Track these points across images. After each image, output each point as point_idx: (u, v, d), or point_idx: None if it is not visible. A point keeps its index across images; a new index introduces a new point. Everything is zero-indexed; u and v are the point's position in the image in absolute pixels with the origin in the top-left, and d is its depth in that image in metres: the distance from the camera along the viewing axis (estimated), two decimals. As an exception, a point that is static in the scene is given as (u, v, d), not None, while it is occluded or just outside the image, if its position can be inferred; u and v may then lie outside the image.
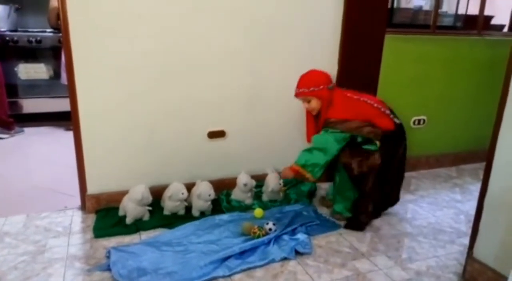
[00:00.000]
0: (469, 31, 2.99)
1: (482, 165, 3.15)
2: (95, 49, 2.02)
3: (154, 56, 2.13)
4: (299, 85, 2.12)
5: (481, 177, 2.93)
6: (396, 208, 2.40)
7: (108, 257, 1.79)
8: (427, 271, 1.79)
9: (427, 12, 3.02)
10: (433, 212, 2.39)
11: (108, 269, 1.70)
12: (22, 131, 3.70)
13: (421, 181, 2.86)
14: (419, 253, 1.94)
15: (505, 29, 3.22)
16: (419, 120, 2.95)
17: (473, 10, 3.08)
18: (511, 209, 1.51)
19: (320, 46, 2.47)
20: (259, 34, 2.31)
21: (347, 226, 2.14)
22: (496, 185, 1.58)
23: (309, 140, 2.25)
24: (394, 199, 2.29)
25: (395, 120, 2.11)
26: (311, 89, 2.07)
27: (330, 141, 2.02)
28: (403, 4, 3.17)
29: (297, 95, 2.14)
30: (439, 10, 2.88)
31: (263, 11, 2.28)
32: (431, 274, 1.77)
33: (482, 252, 1.65)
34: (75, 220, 2.14)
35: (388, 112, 2.10)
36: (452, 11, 3.25)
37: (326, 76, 2.12)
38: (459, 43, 2.89)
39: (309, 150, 2.07)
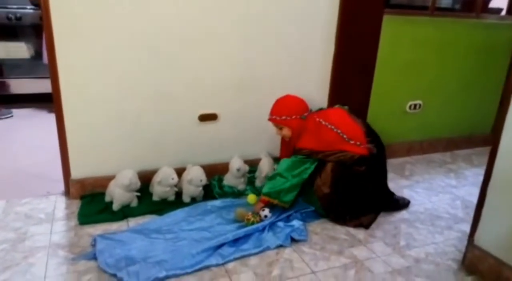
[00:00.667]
0: (468, 13, 2.92)
1: (476, 150, 3.22)
2: (78, 26, 1.88)
3: (143, 35, 2.00)
4: (272, 111, 2.06)
5: (475, 162, 2.96)
6: (392, 194, 2.36)
7: (93, 245, 1.69)
8: (426, 258, 1.75)
9: (425, -8, 2.92)
10: (429, 197, 2.34)
11: (94, 258, 1.61)
12: (10, 113, 3.52)
13: (415, 166, 2.82)
14: (417, 239, 1.89)
15: (503, 13, 3.15)
16: (415, 105, 2.89)
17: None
18: (516, 195, 1.46)
19: (316, 27, 2.36)
20: (253, 15, 2.19)
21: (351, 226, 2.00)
22: (501, 171, 1.52)
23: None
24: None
25: (369, 146, 1.95)
26: (283, 117, 2.01)
27: (297, 167, 1.94)
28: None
29: (269, 120, 2.09)
30: (438, -9, 2.79)
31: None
32: (430, 261, 1.73)
33: (484, 239, 1.61)
34: (59, 206, 2.03)
35: (353, 141, 1.92)
36: (450, -8, 3.16)
37: (300, 104, 2.04)
38: (457, 26, 2.82)
39: (272, 177, 1.99)
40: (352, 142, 1.93)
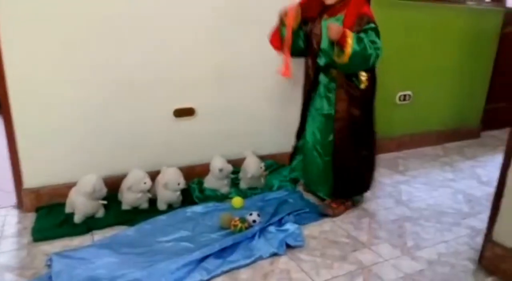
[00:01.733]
0: (454, -1, 2.82)
1: (466, 142, 3.09)
2: (25, 17, 1.62)
3: (105, 21, 1.75)
4: None
5: (468, 155, 2.83)
6: (389, 190, 2.18)
7: (49, 265, 1.39)
8: (439, 259, 1.54)
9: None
10: (429, 192, 2.16)
11: (50, 281, 1.31)
12: None
13: (409, 161, 2.65)
14: (426, 238, 1.69)
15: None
16: (404, 96, 2.73)
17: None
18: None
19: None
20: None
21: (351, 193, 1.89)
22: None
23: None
24: None
25: None
26: None
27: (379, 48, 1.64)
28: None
29: None
30: (424, -25, 2.66)
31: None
32: (444, 262, 1.53)
33: (504, 234, 1.42)
34: (9, 221, 1.73)
35: None
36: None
37: None
38: (444, 11, 2.71)
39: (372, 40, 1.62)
40: None
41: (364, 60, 1.62)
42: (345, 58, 1.58)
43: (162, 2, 1.83)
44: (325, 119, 1.80)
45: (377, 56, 1.65)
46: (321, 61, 1.79)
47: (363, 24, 1.65)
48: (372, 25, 1.66)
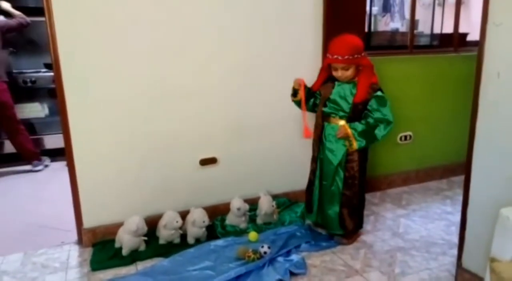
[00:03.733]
0: (445, 48, 3.12)
1: (472, 176, 3.28)
2: (85, 85, 2.09)
3: (143, 88, 2.21)
4: (341, 52, 1.95)
5: (470, 188, 3.03)
6: (389, 223, 2.45)
7: (105, 289, 1.81)
8: (420, 284, 1.82)
9: (403, 33, 3.16)
10: (425, 225, 2.42)
11: (105, 301, 1.72)
12: (40, 166, 3.72)
13: (412, 196, 2.91)
14: (412, 266, 1.97)
15: (481, 45, 3.34)
16: (405, 136, 3.03)
17: (449, 28, 3.22)
18: (492, 218, 1.56)
19: (302, 70, 2.56)
20: (243, 62, 2.40)
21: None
22: (476, 196, 1.64)
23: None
24: None
25: None
26: (355, 56, 1.95)
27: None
28: (381, 27, 3.32)
29: (338, 62, 1.97)
30: (415, 31, 3.01)
31: (245, 42, 2.39)
32: (424, 287, 1.80)
33: (471, 262, 1.69)
34: (72, 255, 2.17)
35: None
36: (427, 31, 3.39)
37: (361, 41, 2.04)
38: (437, 61, 3.01)
39: (382, 123, 2.03)
40: None
41: (373, 141, 2.06)
42: (353, 148, 2.05)
43: (186, 70, 2.28)
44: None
45: (385, 127, 2.04)
46: (326, 109, 2.13)
47: (373, 92, 2.01)
48: (379, 93, 2.03)
